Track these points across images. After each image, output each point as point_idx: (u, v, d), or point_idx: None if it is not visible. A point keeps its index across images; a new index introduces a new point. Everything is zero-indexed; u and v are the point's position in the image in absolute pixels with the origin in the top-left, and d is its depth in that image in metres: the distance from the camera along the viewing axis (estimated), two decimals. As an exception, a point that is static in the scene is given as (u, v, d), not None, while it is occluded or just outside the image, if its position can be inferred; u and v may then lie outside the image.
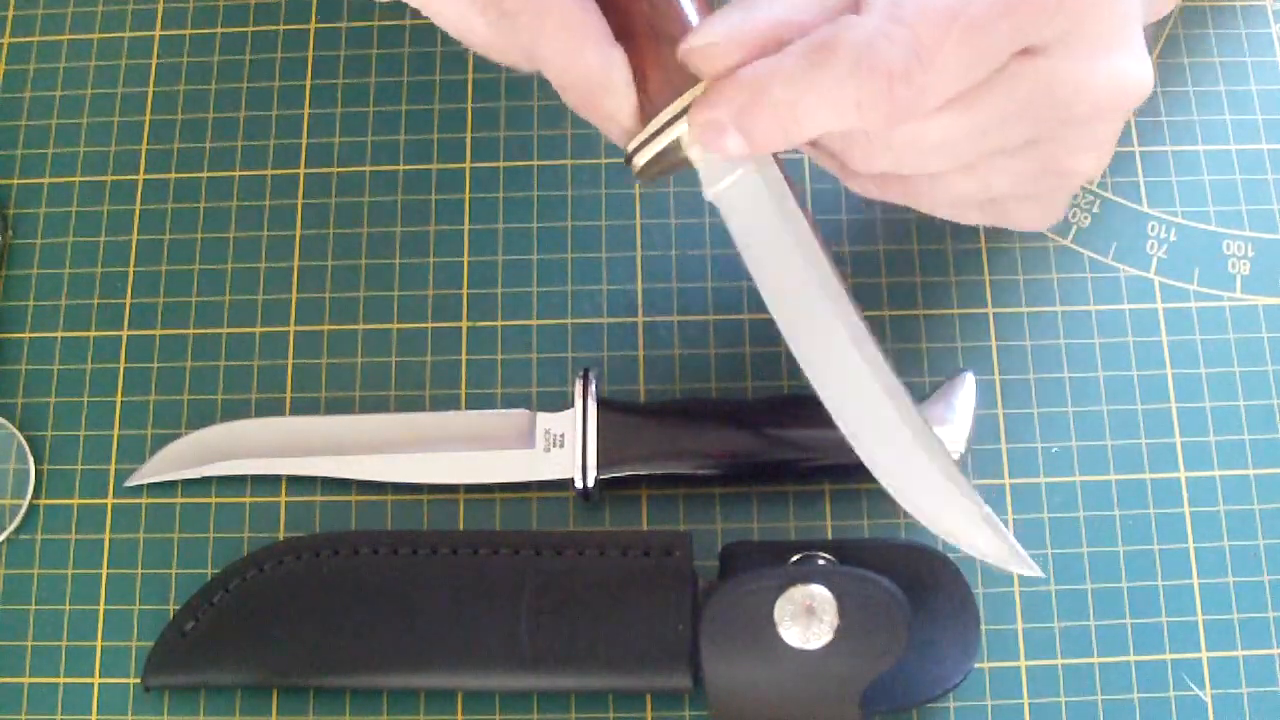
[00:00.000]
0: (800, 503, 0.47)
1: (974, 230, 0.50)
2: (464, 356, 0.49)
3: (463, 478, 0.47)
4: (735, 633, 0.42)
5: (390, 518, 0.47)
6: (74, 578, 0.47)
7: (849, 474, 0.46)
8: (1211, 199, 0.50)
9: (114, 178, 0.52)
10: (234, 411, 0.49)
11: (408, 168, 0.52)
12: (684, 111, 0.37)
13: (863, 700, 0.41)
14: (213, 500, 0.47)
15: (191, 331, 0.50)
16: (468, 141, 0.52)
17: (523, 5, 0.36)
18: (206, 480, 0.47)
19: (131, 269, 0.50)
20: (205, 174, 0.52)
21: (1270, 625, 0.45)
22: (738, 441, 0.46)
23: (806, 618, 0.41)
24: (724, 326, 0.49)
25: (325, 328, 0.50)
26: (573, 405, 0.46)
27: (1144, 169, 0.51)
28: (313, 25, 0.54)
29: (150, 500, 0.48)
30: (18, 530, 0.47)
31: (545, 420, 0.46)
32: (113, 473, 0.48)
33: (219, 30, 0.54)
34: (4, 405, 0.49)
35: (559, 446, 0.46)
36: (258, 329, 0.50)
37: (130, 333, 0.50)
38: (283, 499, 0.47)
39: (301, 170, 0.52)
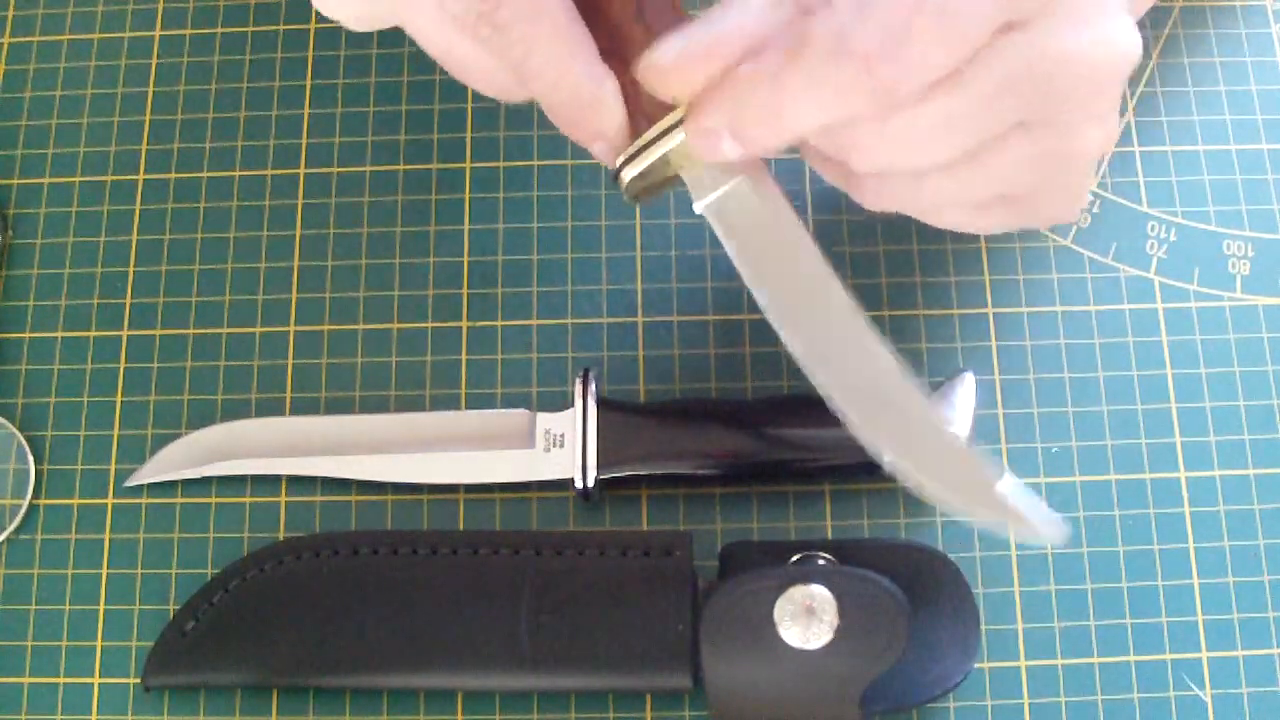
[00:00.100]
0: (800, 503, 0.47)
1: (974, 230, 0.50)
2: (464, 356, 0.49)
3: (463, 478, 0.47)
4: (735, 633, 0.42)
5: (390, 518, 0.47)
6: (74, 578, 0.47)
7: (849, 474, 0.46)
8: (1211, 199, 0.50)
9: (114, 178, 0.52)
10: (234, 411, 0.49)
11: (408, 168, 0.52)
12: (674, 126, 0.37)
13: (863, 700, 0.41)
14: (213, 500, 0.47)
15: (191, 331, 0.50)
16: (468, 141, 0.52)
17: (516, 16, 0.36)
18: (206, 480, 0.47)
19: (131, 269, 0.50)
20: (205, 174, 0.52)
21: (1270, 625, 0.45)
22: (738, 441, 0.46)
23: (806, 618, 0.41)
24: (724, 326, 0.49)
25: (325, 328, 0.50)
26: (573, 405, 0.46)
27: (1144, 169, 0.51)
28: (313, 25, 0.54)
29: (150, 500, 0.48)
30: (18, 530, 0.47)
31: (545, 420, 0.46)
32: (113, 473, 0.48)
33: (219, 30, 0.54)
34: (4, 405, 0.49)
35: (559, 446, 0.46)
36: (258, 329, 0.50)
37: (130, 333, 0.50)
38: (283, 499, 0.47)
39: (301, 170, 0.52)
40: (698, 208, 0.39)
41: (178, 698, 0.45)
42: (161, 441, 0.48)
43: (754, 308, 0.48)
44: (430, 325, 0.49)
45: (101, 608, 0.46)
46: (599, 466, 0.45)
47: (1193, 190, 0.50)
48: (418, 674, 0.44)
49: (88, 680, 0.46)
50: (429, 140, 0.52)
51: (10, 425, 0.48)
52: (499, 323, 0.49)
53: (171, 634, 0.45)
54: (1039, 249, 0.50)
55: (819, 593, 0.41)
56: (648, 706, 0.45)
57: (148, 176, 0.52)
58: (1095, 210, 0.50)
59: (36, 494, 0.48)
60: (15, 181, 0.52)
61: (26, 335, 0.50)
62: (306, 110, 0.52)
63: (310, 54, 0.53)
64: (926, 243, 0.50)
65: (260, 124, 0.52)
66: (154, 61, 0.53)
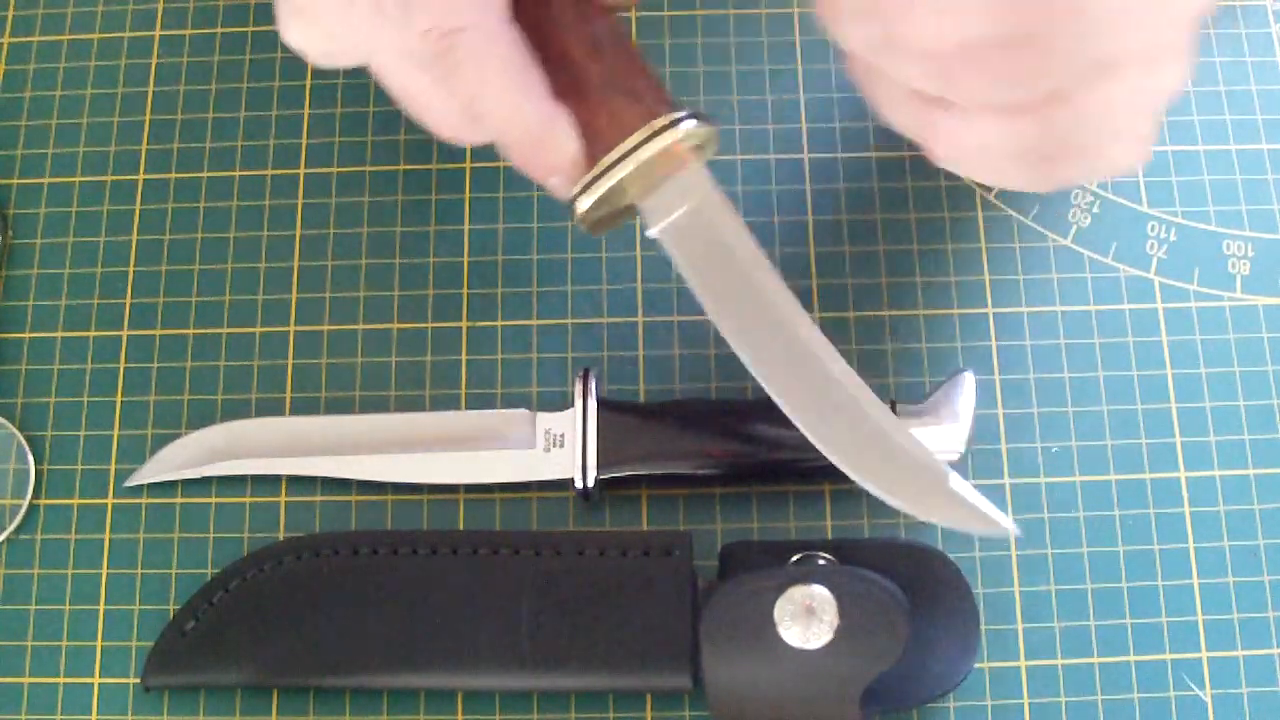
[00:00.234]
0: (800, 503, 0.47)
1: (974, 229, 0.50)
2: (464, 356, 0.49)
3: (463, 478, 0.47)
4: (735, 633, 0.42)
5: (390, 518, 0.47)
6: (74, 578, 0.47)
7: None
8: (1211, 199, 0.50)
9: (114, 178, 0.52)
10: (234, 411, 0.49)
11: (408, 168, 0.52)
12: (627, 154, 0.39)
13: (863, 700, 0.41)
14: (213, 500, 0.47)
15: (191, 331, 0.50)
16: (468, 141, 0.52)
17: (468, 55, 0.37)
18: (206, 480, 0.47)
19: (131, 269, 0.50)
20: (205, 174, 0.52)
21: (1270, 625, 0.45)
22: (738, 441, 0.46)
23: (806, 618, 0.41)
24: (724, 326, 0.49)
25: (325, 328, 0.50)
26: (573, 405, 0.46)
27: (1144, 169, 0.51)
28: (313, 25, 0.54)
29: (150, 500, 0.48)
30: (18, 530, 0.47)
31: (545, 420, 0.46)
32: (113, 473, 0.48)
33: (219, 30, 0.54)
34: (4, 405, 0.49)
35: (559, 446, 0.46)
36: (258, 329, 0.50)
37: (130, 333, 0.50)
38: (283, 499, 0.47)
39: (301, 170, 0.52)
40: (650, 233, 0.40)
41: (178, 698, 0.45)
42: (161, 441, 0.48)
43: (754, 308, 0.49)
44: (430, 325, 0.49)
45: (101, 608, 0.46)
46: (599, 466, 0.45)
47: (1193, 190, 0.50)
48: (418, 674, 0.44)
49: (88, 680, 0.46)
50: (429, 140, 0.52)
51: (10, 425, 0.48)
52: (499, 323, 0.49)
53: (171, 634, 0.45)
54: (1039, 249, 0.50)
55: (819, 593, 0.41)
56: (648, 706, 0.45)
57: (148, 176, 0.52)
58: (1095, 210, 0.50)
59: (36, 494, 0.48)
60: (15, 181, 0.52)
61: (26, 335, 0.50)
62: (306, 110, 0.52)
63: (310, 54, 0.53)
64: (926, 243, 0.50)
65: (260, 124, 0.52)
66: (154, 61, 0.53)
